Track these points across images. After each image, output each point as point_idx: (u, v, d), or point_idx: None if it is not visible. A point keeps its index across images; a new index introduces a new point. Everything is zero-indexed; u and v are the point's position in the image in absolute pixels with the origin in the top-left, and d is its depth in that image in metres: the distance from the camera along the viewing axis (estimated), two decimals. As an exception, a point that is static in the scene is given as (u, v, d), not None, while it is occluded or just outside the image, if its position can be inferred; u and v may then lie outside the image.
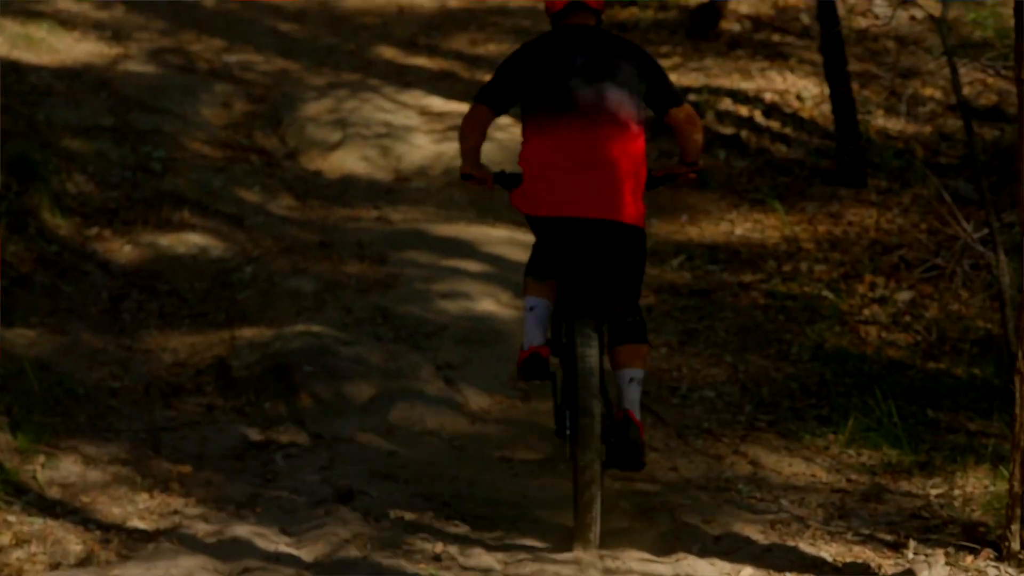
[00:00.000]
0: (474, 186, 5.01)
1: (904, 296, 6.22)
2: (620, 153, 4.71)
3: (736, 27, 8.64)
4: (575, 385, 4.60)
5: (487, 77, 7.76)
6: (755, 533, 4.56)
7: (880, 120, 7.64)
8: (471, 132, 4.89)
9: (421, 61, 8.70)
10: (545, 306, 4.81)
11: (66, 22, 8.81)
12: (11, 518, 4.61)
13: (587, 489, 4.51)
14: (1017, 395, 4.26)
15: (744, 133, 7.61)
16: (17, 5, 8.76)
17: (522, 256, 6.44)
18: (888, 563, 4.34)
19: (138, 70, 8.33)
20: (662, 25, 8.77)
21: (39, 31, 8.57)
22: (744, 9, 8.81)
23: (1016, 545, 4.28)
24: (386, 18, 9.25)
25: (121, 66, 8.39)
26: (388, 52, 8.83)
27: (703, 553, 4.41)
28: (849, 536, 4.52)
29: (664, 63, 8.13)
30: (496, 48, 8.66)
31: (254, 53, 8.77)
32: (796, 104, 7.82)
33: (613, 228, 4.70)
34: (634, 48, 4.85)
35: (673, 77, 7.93)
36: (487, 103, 4.86)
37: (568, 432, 4.65)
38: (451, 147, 7.60)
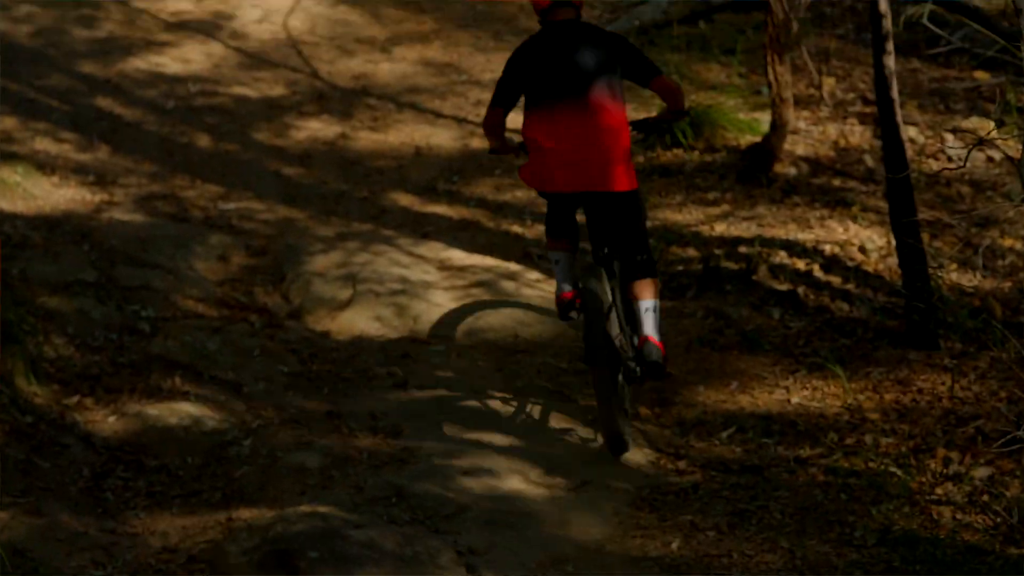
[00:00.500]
0: (503, 155, 6.96)
1: (982, 473, 6.29)
2: (607, 131, 6.59)
3: (792, 171, 8.92)
4: (586, 319, 6.52)
5: (514, 227, 8.62)
6: None
7: (953, 275, 7.80)
8: (492, 125, 6.87)
9: (440, 209, 9.02)
10: (567, 257, 6.88)
11: (44, 165, 9.12)
12: None
13: (607, 402, 6.43)
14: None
15: (801, 289, 7.82)
16: (-10, 146, 9.08)
17: (557, 429, 6.80)
18: None
19: (124, 219, 8.57)
20: (709, 168, 9.07)
21: (13, 175, 8.85)
22: (801, 150, 9.11)
23: None
24: (402, 161, 9.59)
25: (105, 214, 8.62)
26: (404, 199, 9.15)
27: None
28: None
29: (712, 211, 8.59)
30: (524, 195, 8.97)
31: (254, 200, 9.07)
32: (859, 257, 8.04)
33: (609, 197, 6.64)
34: (611, 36, 6.80)
35: (722, 227, 8.44)
36: (500, 105, 6.82)
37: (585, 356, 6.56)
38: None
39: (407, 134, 9.90)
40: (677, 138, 9.23)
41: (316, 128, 9.97)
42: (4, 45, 10.53)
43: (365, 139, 9.87)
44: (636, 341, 6.64)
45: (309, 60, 10.86)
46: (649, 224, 8.08)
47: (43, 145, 9.41)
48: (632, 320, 6.69)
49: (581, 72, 6.64)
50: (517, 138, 6.94)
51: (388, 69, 10.78)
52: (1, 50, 10.33)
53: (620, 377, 6.61)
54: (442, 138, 9.83)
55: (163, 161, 9.45)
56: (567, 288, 6.83)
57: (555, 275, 6.94)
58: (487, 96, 9.46)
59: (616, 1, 11.56)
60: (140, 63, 10.65)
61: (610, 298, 6.63)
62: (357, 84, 10.56)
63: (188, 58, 10.78)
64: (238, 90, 10.41)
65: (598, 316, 6.48)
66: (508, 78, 6.81)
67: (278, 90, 10.44)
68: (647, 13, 11.26)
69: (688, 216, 8.66)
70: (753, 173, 8.81)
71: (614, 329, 6.61)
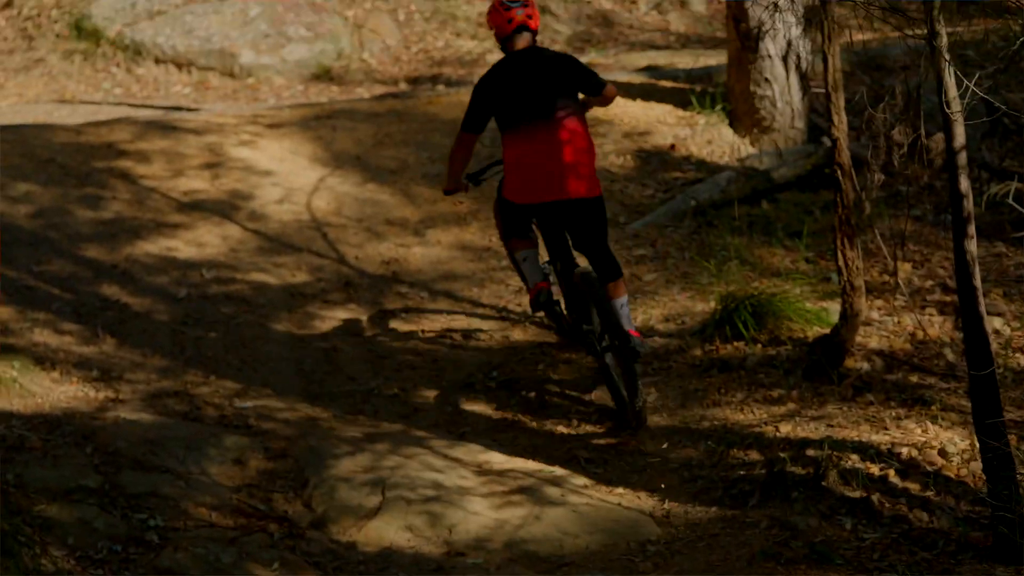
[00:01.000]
0: (455, 193, 9.37)
1: None
2: (571, 144, 8.77)
3: (864, 366, 9.08)
4: (589, 308, 9.06)
5: (559, 428, 8.92)
6: None
7: (1045, 481, 7.77)
8: (460, 155, 9.20)
9: (478, 407, 9.22)
10: (535, 254, 9.25)
11: (43, 359, 9.28)
12: None
13: (612, 371, 8.92)
14: None
15: (875, 497, 7.91)
16: (-15, 339, 9.13)
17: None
18: None
19: (131, 418, 8.65)
20: (773, 363, 9.27)
21: (9, 370, 8.97)
22: (874, 343, 9.28)
23: None
24: (435, 355, 9.81)
25: (111, 413, 8.72)
26: (438, 396, 9.34)
27: None
28: None
29: (776, 410, 8.79)
30: (571, 393, 9.16)
31: (274, 397, 9.25)
32: (939, 461, 8.16)
33: (585, 203, 8.83)
34: (564, 57, 9.02)
35: (787, 427, 8.58)
36: (470, 131, 9.07)
37: (587, 337, 9.08)
38: (514, 514, 7.98)
39: (441, 325, 10.12)
40: (738, 330, 9.44)
41: (342, 318, 10.16)
42: (1, 227, 10.67)
43: (396, 330, 10.07)
44: (607, 336, 8.91)
45: (335, 244, 11.10)
46: (707, 424, 8.50)
47: (43, 337, 9.55)
48: (604, 317, 8.89)
49: (546, 94, 8.88)
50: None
51: (421, 254, 11.05)
52: (-2, 233, 10.44)
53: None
54: (480, 329, 10.05)
55: (174, 355, 9.61)
56: (540, 279, 9.19)
57: (525, 270, 9.27)
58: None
59: (671, 179, 11.88)
60: (150, 247, 10.86)
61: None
62: (387, 270, 10.81)
63: (203, 241, 11.02)
64: (257, 277, 10.61)
65: (598, 292, 8.88)
66: (477, 105, 9.02)
67: (301, 277, 10.66)
68: (704, 192, 11.58)
69: (750, 416, 8.81)
70: (822, 368, 8.95)
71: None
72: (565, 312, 9.57)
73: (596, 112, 10.51)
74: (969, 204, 7.25)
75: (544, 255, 9.57)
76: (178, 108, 14.05)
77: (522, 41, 9.13)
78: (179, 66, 15.12)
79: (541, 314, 9.97)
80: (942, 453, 8.24)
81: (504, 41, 9.17)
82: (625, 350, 8.79)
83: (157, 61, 15.22)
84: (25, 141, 11.95)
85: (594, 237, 9.01)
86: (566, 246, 9.20)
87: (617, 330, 8.84)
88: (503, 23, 9.14)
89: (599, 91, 9.10)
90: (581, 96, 9.09)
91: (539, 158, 8.83)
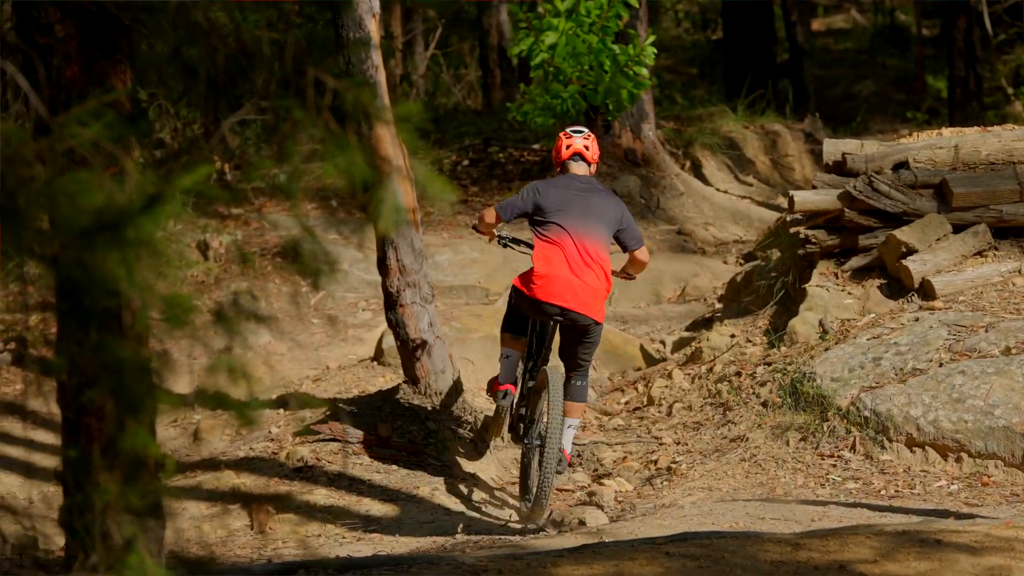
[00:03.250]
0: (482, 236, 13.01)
1: None
2: (597, 269, 11.90)
3: None
4: (541, 404, 12.35)
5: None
6: None
7: None
8: (484, 230, 12.60)
9: None
10: (517, 356, 12.38)
11: None
12: None
13: (531, 466, 12.43)
14: None
15: None
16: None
17: None
18: None
19: None
20: None
21: None
22: None
23: None
24: None
25: None
26: None
27: None
28: None
29: None
30: None
31: None
32: None
33: (584, 320, 11.93)
34: (616, 199, 12.34)
35: None
36: (500, 213, 12.29)
37: (521, 424, 12.72)
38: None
39: None
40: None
41: None
42: None
43: None
44: (541, 437, 12.23)
45: None
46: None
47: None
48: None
49: (588, 216, 11.86)
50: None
51: None
52: None
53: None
54: None
55: None
56: (511, 381, 12.25)
57: (502, 367, 12.24)
58: None
59: None
60: None
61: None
62: None
63: None
64: None
65: (561, 392, 12.00)
66: (521, 203, 12.04)
67: None
68: None
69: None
70: None
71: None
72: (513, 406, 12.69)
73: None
74: None
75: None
76: (943, 513, 12.94)
77: (578, 168, 12.10)
78: (944, 451, 13.93)
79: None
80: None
81: (561, 166, 12.21)
82: (549, 462, 11.82)
83: (911, 443, 14.08)
84: (719, 558, 11.09)
85: (585, 356, 12.08)
86: (549, 349, 12.40)
87: (554, 441, 11.84)
88: (561, 148, 12.15)
89: (633, 248, 12.15)
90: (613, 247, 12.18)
91: (567, 267, 11.75)
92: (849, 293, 15.01)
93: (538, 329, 12.33)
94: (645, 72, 19.55)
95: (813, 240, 15.08)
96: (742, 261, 19.08)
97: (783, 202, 21.22)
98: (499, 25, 28.16)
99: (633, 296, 18.10)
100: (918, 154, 15.04)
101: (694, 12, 43.08)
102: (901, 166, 14.91)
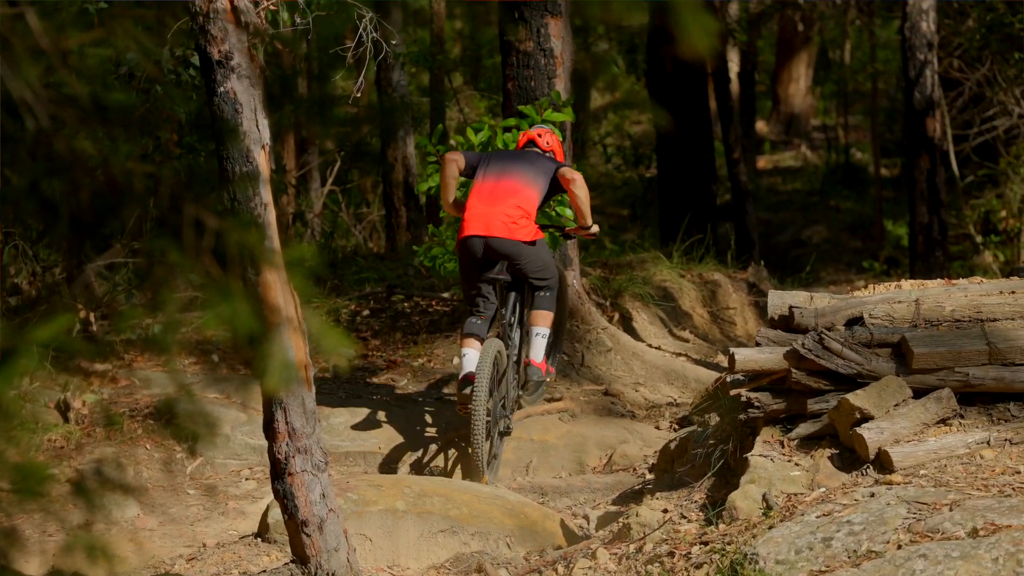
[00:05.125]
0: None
1: None
2: (511, 199, 15.21)
3: None
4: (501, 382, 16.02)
5: None
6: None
7: None
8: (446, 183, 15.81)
9: None
10: (474, 353, 15.28)
11: None
12: None
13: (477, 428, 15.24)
14: None
15: None
16: None
17: None
18: None
19: None
20: None
21: None
22: None
23: None
24: None
25: None
26: None
27: None
28: None
29: None
30: None
31: None
32: None
33: (509, 244, 15.26)
34: (555, 160, 15.65)
35: None
36: (465, 155, 15.64)
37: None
38: None
39: None
40: None
41: None
42: None
43: None
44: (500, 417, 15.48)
45: None
46: None
47: None
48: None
49: (513, 161, 15.00)
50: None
51: None
52: None
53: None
54: None
55: None
56: (472, 370, 14.98)
57: (463, 362, 15.15)
58: None
59: None
60: None
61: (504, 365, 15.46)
62: None
63: None
64: None
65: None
66: (474, 157, 15.37)
67: None
68: None
69: None
70: None
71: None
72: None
73: None
74: None
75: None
76: None
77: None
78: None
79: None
80: None
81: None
82: (525, 380, 15.44)
83: (868, 639, 13.39)
84: None
85: (536, 276, 15.23)
86: (521, 294, 15.54)
87: (514, 353, 15.25)
88: (521, 138, 15.46)
89: (561, 190, 15.14)
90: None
91: (482, 201, 14.88)
92: (796, 464, 14.61)
93: (495, 293, 15.06)
94: (569, 213, 19.47)
95: (756, 404, 14.66)
96: (676, 427, 18.67)
97: (723, 360, 20.78)
98: (405, 159, 27.43)
99: (554, 465, 17.60)
100: (875, 309, 14.67)
101: (626, 147, 42.29)
102: (855, 322, 14.55)
